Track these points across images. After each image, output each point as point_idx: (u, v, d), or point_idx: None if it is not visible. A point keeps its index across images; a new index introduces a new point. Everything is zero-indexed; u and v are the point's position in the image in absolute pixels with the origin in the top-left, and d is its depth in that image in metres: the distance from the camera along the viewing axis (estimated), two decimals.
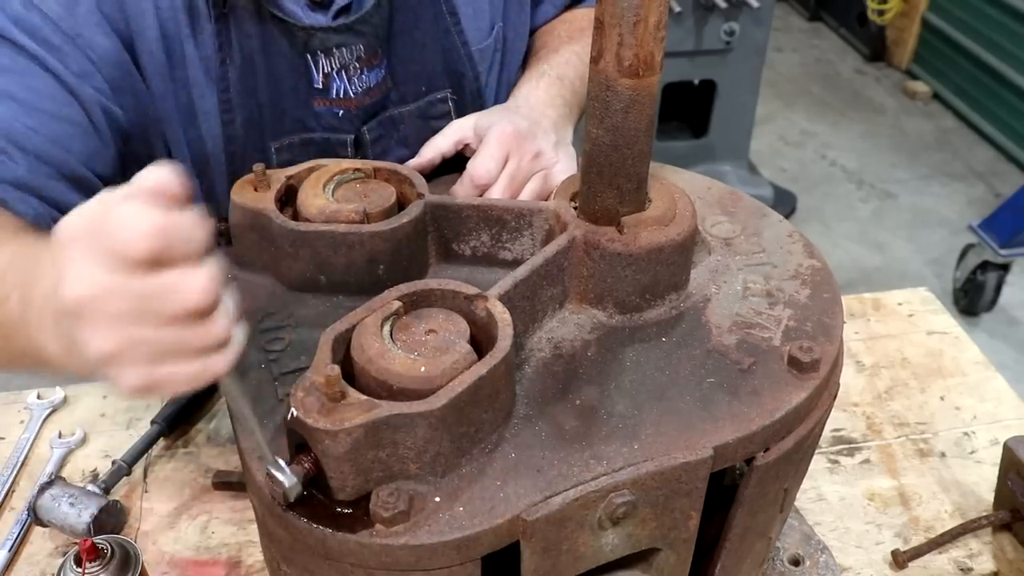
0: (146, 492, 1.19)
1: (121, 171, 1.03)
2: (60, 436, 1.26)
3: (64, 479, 1.14)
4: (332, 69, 1.10)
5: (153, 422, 1.25)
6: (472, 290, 0.77)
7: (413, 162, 1.07)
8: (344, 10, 1.09)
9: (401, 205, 0.91)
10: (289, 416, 0.69)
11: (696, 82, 3.48)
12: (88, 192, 0.97)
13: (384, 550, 0.68)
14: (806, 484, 1.17)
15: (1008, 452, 1.13)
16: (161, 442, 1.25)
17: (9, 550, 1.10)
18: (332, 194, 0.91)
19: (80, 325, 0.58)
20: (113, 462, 1.19)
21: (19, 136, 0.91)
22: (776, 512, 0.90)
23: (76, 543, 0.95)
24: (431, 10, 1.16)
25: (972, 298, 3.18)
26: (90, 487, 1.13)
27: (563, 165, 1.06)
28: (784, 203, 3.68)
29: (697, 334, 0.85)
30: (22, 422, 1.30)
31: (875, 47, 4.95)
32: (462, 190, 1.01)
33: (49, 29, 0.94)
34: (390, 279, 0.85)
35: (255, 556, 1.11)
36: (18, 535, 1.12)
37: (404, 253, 0.88)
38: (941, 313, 1.53)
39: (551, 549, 0.72)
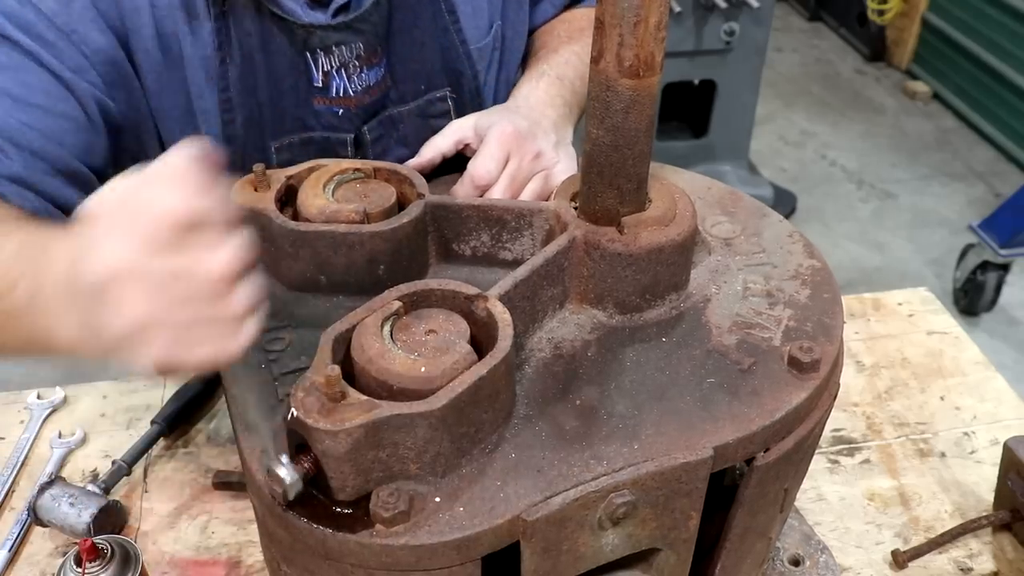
0: (146, 492, 1.19)
1: (114, 164, 1.03)
2: (60, 436, 1.26)
3: (64, 479, 1.14)
4: (332, 67, 1.10)
5: (153, 422, 1.25)
6: (472, 290, 0.77)
7: (413, 162, 1.07)
8: (343, 8, 1.09)
9: (401, 205, 0.91)
10: (289, 416, 0.69)
11: (696, 82, 3.48)
12: (83, 186, 0.98)
13: (384, 550, 0.68)
14: (806, 484, 1.17)
15: (1008, 452, 1.13)
16: (161, 442, 1.25)
17: (9, 550, 1.10)
18: (332, 194, 0.91)
19: (106, 300, 0.59)
20: (113, 462, 1.19)
21: (14, 132, 0.92)
22: (776, 512, 0.90)
23: (76, 543, 0.95)
24: (430, 8, 1.16)
25: (972, 298, 3.18)
26: (90, 487, 1.13)
27: (563, 165, 1.06)
28: (784, 203, 3.68)
29: (697, 334, 0.85)
30: (22, 422, 1.30)
31: (875, 47, 4.95)
32: (462, 190, 1.01)
33: (44, 25, 0.95)
34: (390, 279, 0.85)
35: (255, 556, 1.11)
36: (18, 535, 1.12)
37: (404, 253, 0.88)
38: (941, 313, 1.53)
39: (551, 549, 0.72)
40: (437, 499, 0.70)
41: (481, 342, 0.75)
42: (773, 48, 4.64)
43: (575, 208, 0.87)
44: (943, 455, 1.27)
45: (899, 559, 1.12)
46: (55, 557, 1.11)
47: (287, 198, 0.92)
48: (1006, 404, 1.36)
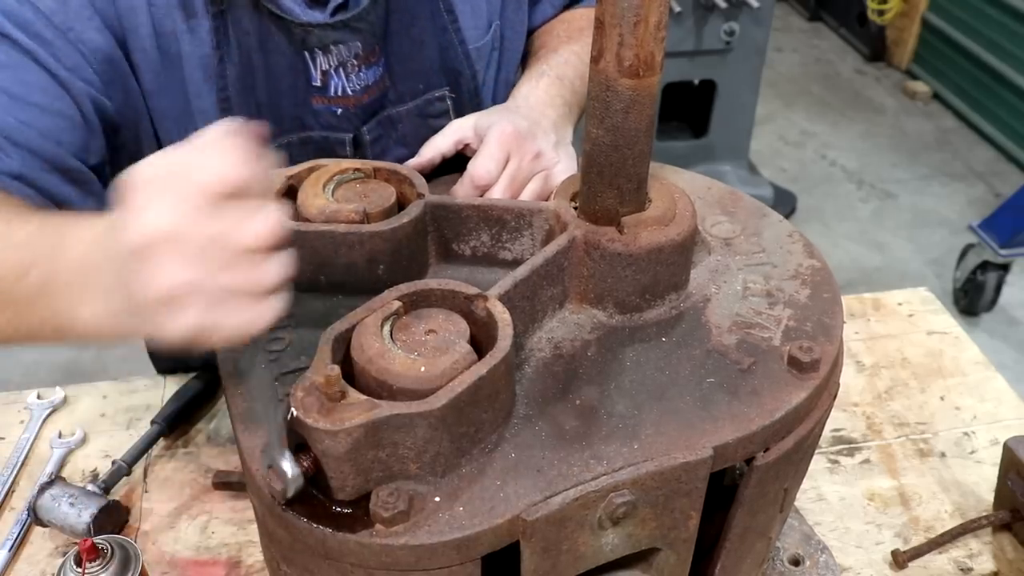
0: (146, 492, 1.19)
1: (111, 163, 1.03)
2: (60, 436, 1.26)
3: (64, 479, 1.14)
4: (330, 66, 1.10)
5: (153, 422, 1.25)
6: (472, 290, 0.77)
7: (413, 162, 1.07)
8: (341, 7, 1.09)
9: (401, 205, 0.91)
10: (289, 416, 0.69)
11: (696, 82, 3.48)
12: (81, 184, 0.98)
13: (384, 550, 0.68)
14: (806, 484, 1.17)
15: (1008, 452, 1.13)
16: (161, 442, 1.25)
17: (9, 550, 1.10)
18: (332, 194, 0.91)
19: (145, 265, 0.60)
20: (113, 462, 1.19)
21: (12, 131, 0.92)
22: (776, 512, 0.90)
23: (76, 543, 0.95)
24: (428, 8, 1.16)
25: (972, 298, 3.18)
26: (90, 487, 1.13)
27: (563, 165, 1.06)
28: (784, 203, 3.68)
29: (697, 334, 0.85)
30: (22, 422, 1.30)
31: (875, 47, 4.95)
32: (462, 190, 1.01)
33: (42, 23, 0.95)
34: (390, 279, 0.85)
35: (255, 556, 1.11)
36: (18, 535, 1.12)
37: (404, 253, 0.88)
38: (941, 313, 1.53)
39: (551, 549, 0.72)
40: (437, 499, 0.70)
41: (481, 342, 0.75)
42: (773, 48, 4.64)
43: (575, 208, 0.87)
44: (943, 455, 1.27)
45: (899, 559, 1.12)
46: (55, 557, 1.11)
47: (287, 198, 0.92)
48: (1006, 404, 1.36)
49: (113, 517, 1.11)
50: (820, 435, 0.88)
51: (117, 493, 1.17)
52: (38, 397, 1.33)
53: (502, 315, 0.74)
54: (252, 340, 0.65)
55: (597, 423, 0.76)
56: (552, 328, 0.86)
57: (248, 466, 0.73)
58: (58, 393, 1.33)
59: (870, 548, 1.15)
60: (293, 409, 0.68)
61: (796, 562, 1.07)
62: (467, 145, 1.08)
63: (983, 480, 1.23)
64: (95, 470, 1.22)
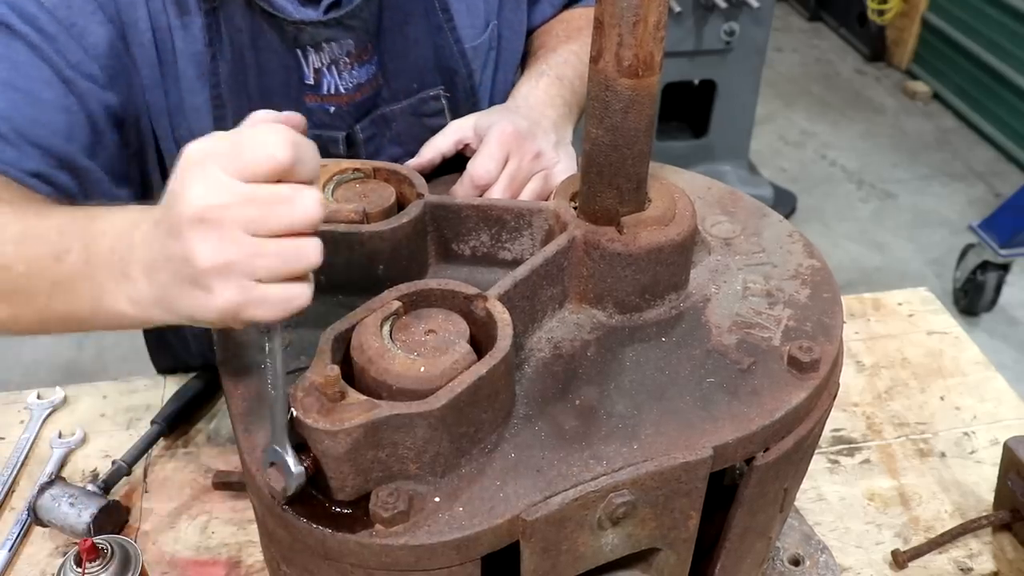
0: (146, 492, 1.19)
1: (119, 161, 1.04)
2: (60, 436, 1.26)
3: (64, 479, 1.14)
4: (323, 64, 1.10)
5: (153, 422, 1.25)
6: (472, 290, 0.77)
7: (413, 162, 1.07)
8: (334, 5, 1.09)
9: (401, 205, 0.91)
10: (289, 416, 0.69)
11: (696, 82, 3.48)
12: (89, 182, 0.99)
13: (384, 550, 0.68)
14: (806, 484, 1.17)
15: (1008, 452, 1.13)
16: (161, 442, 1.25)
17: (9, 550, 1.10)
18: (332, 194, 0.91)
19: (192, 237, 0.62)
20: (113, 462, 1.19)
21: (26, 128, 0.93)
22: (776, 512, 0.90)
23: (76, 543, 0.95)
24: (422, 5, 1.16)
25: (972, 298, 3.18)
26: (90, 487, 1.13)
27: (563, 165, 1.06)
28: (784, 203, 3.68)
29: (697, 334, 0.85)
30: (22, 422, 1.30)
31: (875, 47, 4.95)
32: (462, 190, 1.01)
33: (46, 18, 0.95)
34: (390, 279, 0.85)
35: (255, 556, 1.11)
36: (18, 535, 1.12)
37: (404, 253, 0.88)
38: (941, 313, 1.53)
39: (551, 549, 0.72)
40: (437, 499, 0.70)
41: (481, 342, 0.75)
42: (773, 48, 4.64)
43: (575, 208, 0.87)
44: (943, 455, 1.27)
45: (899, 559, 1.12)
46: (55, 557, 1.11)
47: None
48: (1006, 404, 1.36)
49: (113, 517, 1.11)
50: (820, 435, 0.88)
51: (117, 493, 1.17)
52: (38, 397, 1.33)
53: (502, 315, 0.74)
54: (268, 328, 0.67)
55: (597, 423, 0.76)
56: (552, 328, 0.86)
57: (248, 466, 0.73)
58: (58, 393, 1.33)
59: (870, 548, 1.15)
60: (293, 409, 0.68)
61: (796, 562, 1.07)
62: (467, 145, 1.08)
63: (983, 480, 1.23)
64: (95, 470, 1.22)
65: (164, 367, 1.47)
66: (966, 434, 1.31)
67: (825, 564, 1.07)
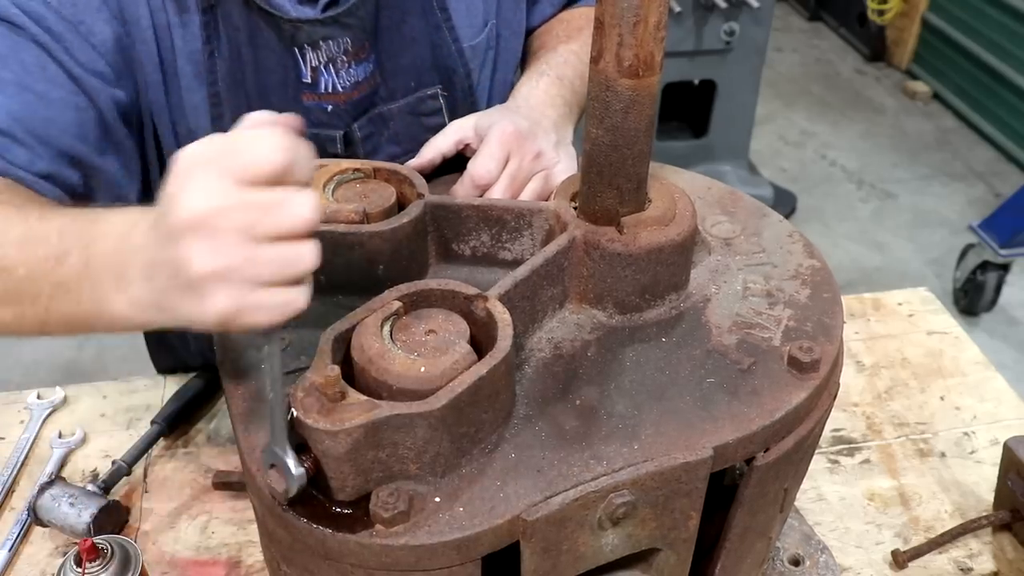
0: (146, 492, 1.19)
1: (130, 158, 1.04)
2: (60, 436, 1.26)
3: (64, 479, 1.14)
4: (320, 63, 1.10)
5: (153, 422, 1.25)
6: (472, 290, 0.77)
7: (413, 162, 1.07)
8: (332, 3, 1.09)
9: (401, 205, 0.91)
10: (289, 416, 0.69)
11: (696, 82, 3.47)
12: (98, 180, 0.99)
13: (384, 550, 0.68)
14: (806, 484, 1.17)
15: (1008, 452, 1.13)
16: (161, 442, 1.25)
17: (9, 550, 1.10)
18: (332, 194, 0.91)
19: (187, 244, 0.61)
20: (113, 462, 1.19)
21: (37, 128, 0.93)
22: (776, 512, 0.90)
23: (76, 543, 0.95)
24: (419, 4, 1.16)
25: (972, 298, 3.18)
26: (90, 487, 1.13)
27: (564, 165, 1.06)
28: (784, 203, 3.68)
29: (697, 334, 0.85)
30: (22, 422, 1.30)
31: (875, 47, 4.95)
32: (462, 190, 1.01)
33: (53, 17, 0.95)
34: (390, 279, 0.85)
35: (255, 556, 1.11)
36: (18, 535, 1.12)
37: (404, 253, 0.88)
38: (941, 313, 1.53)
39: (551, 549, 0.72)
40: (437, 499, 0.70)
41: (481, 342, 0.75)
42: (773, 48, 4.64)
43: (575, 208, 0.87)
44: (943, 455, 1.27)
45: (899, 559, 1.12)
46: (55, 557, 1.11)
47: None
48: (1006, 404, 1.36)
49: (113, 517, 1.11)
50: (820, 435, 0.88)
51: (117, 493, 1.17)
52: (38, 397, 1.33)
53: (502, 315, 0.74)
54: (266, 333, 0.66)
55: (597, 423, 0.76)
56: (552, 328, 0.86)
57: (248, 466, 0.73)
58: (58, 393, 1.33)
59: (870, 548, 1.15)
60: (293, 409, 0.68)
61: (796, 562, 1.07)
62: (467, 145, 1.08)
63: (983, 480, 1.23)
64: (95, 470, 1.22)
65: (164, 367, 1.47)
66: (966, 434, 1.31)
67: (825, 564, 1.07)
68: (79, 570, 0.93)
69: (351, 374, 0.73)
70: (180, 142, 1.09)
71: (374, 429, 0.67)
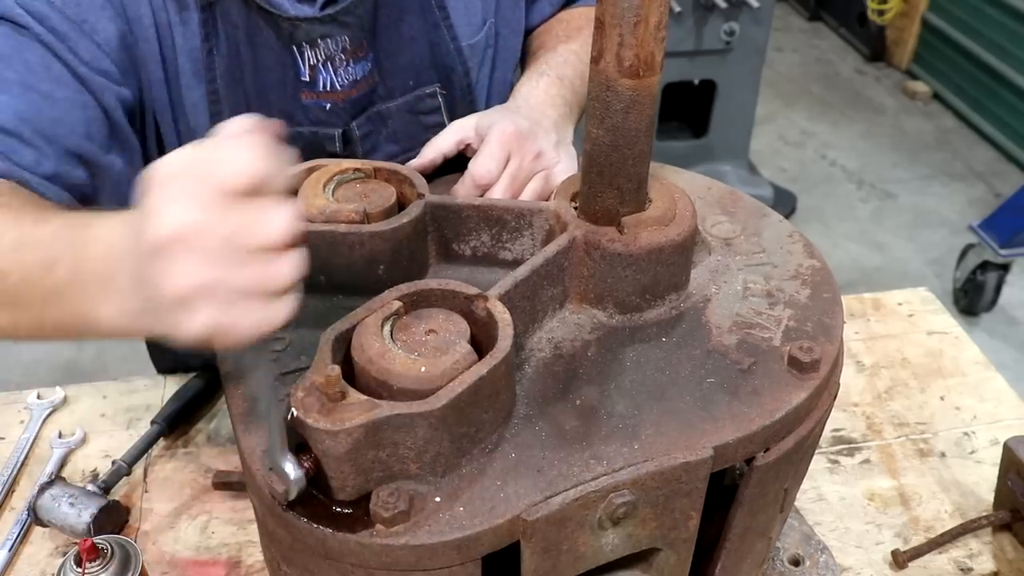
0: (146, 492, 1.19)
1: (138, 156, 1.04)
2: (60, 436, 1.26)
3: (64, 479, 1.14)
4: (318, 61, 1.11)
5: (153, 422, 1.25)
6: (472, 290, 0.77)
7: (414, 162, 1.07)
8: (331, 2, 1.09)
9: (401, 205, 0.91)
10: (289, 416, 0.69)
11: (696, 82, 3.48)
12: (105, 179, 0.99)
13: (384, 550, 0.68)
14: (806, 484, 1.17)
15: (1008, 452, 1.13)
16: (161, 442, 1.25)
17: (9, 550, 1.10)
18: (332, 194, 0.91)
19: (165, 263, 0.60)
20: (113, 462, 1.19)
21: (45, 128, 0.93)
22: (776, 512, 0.90)
23: (76, 543, 0.95)
24: (418, 3, 1.16)
25: (972, 298, 3.18)
26: (90, 487, 1.13)
27: (564, 165, 1.06)
28: (784, 203, 3.68)
29: (697, 334, 0.85)
30: (22, 422, 1.30)
31: (875, 47, 4.95)
32: (463, 190, 1.01)
33: (57, 17, 0.95)
34: (390, 279, 0.85)
35: (255, 556, 1.11)
36: (18, 535, 1.12)
37: (404, 253, 0.88)
38: (941, 313, 1.53)
39: (551, 549, 0.72)
40: (437, 499, 0.70)
41: (481, 342, 0.75)
42: (773, 48, 4.64)
43: (575, 208, 0.87)
44: (943, 455, 1.27)
45: (899, 559, 1.12)
46: (55, 557, 1.11)
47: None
48: (1006, 404, 1.36)
49: (113, 517, 1.11)
50: (820, 435, 0.88)
51: (117, 493, 1.17)
52: (38, 397, 1.33)
53: (502, 315, 0.74)
54: (258, 340, 0.65)
55: (597, 423, 0.76)
56: (552, 328, 0.86)
57: (248, 466, 0.73)
58: (58, 393, 1.33)
59: (870, 548, 1.15)
60: (293, 409, 0.68)
61: (796, 562, 1.07)
62: (468, 145, 1.08)
63: (983, 480, 1.23)
64: (95, 470, 1.22)
65: (164, 367, 1.47)
66: (966, 434, 1.31)
67: (825, 564, 1.07)
68: (79, 570, 0.93)
69: (351, 374, 0.73)
70: (181, 140, 1.09)
71: (374, 429, 0.67)
